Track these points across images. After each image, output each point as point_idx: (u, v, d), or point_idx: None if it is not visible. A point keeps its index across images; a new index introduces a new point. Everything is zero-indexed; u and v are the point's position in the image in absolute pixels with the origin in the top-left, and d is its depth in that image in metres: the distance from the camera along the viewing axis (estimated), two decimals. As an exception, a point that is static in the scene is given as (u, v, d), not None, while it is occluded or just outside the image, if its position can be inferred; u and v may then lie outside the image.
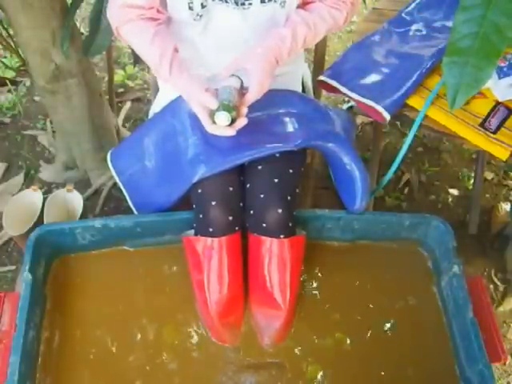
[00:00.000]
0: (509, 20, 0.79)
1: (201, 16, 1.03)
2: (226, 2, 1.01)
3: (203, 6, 1.01)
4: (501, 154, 1.15)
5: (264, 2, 1.02)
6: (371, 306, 1.15)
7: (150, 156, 1.16)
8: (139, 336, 1.09)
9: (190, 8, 1.01)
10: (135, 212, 1.21)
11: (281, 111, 1.11)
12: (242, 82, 1.02)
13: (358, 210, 1.14)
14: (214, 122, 0.97)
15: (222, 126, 0.96)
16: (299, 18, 1.05)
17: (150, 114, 1.28)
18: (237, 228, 1.06)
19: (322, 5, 1.09)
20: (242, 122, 0.97)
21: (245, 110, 0.98)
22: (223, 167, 1.06)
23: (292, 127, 1.11)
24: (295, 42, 1.04)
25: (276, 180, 1.06)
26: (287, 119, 1.11)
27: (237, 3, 1.01)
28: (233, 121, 0.96)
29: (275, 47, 1.02)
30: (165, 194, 1.13)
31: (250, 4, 1.02)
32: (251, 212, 1.06)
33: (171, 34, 1.06)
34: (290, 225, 1.05)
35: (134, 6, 1.01)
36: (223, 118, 0.94)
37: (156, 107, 1.24)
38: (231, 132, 0.97)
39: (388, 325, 1.13)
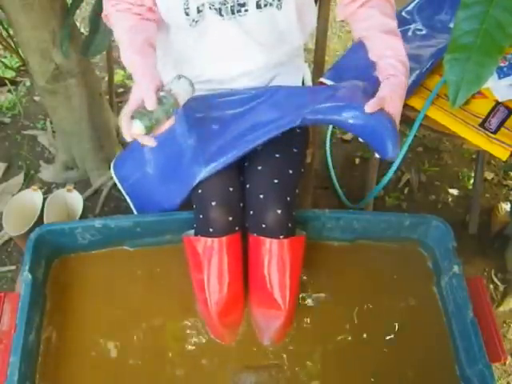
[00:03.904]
0: (511, 16, 0.79)
1: (196, 22, 1.03)
2: (221, 15, 1.02)
3: (199, 11, 1.01)
4: (501, 154, 1.15)
5: (260, 8, 1.02)
6: (371, 305, 1.15)
7: (150, 162, 1.16)
8: (139, 336, 1.09)
9: (187, 13, 1.01)
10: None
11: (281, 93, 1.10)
12: (191, 84, 0.96)
13: (392, 157, 1.02)
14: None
15: (135, 133, 0.91)
16: (392, 21, 1.06)
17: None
18: (237, 228, 1.06)
19: None
20: (157, 132, 0.93)
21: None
22: (223, 165, 1.05)
23: (292, 106, 1.07)
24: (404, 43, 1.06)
25: (276, 180, 1.06)
26: (286, 100, 1.09)
27: (232, 11, 1.01)
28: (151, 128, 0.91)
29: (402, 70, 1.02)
30: (167, 198, 1.13)
31: (246, 11, 1.02)
32: (251, 212, 1.06)
33: (151, 31, 1.04)
34: (290, 225, 1.05)
35: (124, 0, 1.01)
36: (136, 127, 0.90)
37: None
38: (146, 142, 0.92)
39: (388, 325, 1.13)
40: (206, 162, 1.06)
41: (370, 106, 0.97)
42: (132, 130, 0.90)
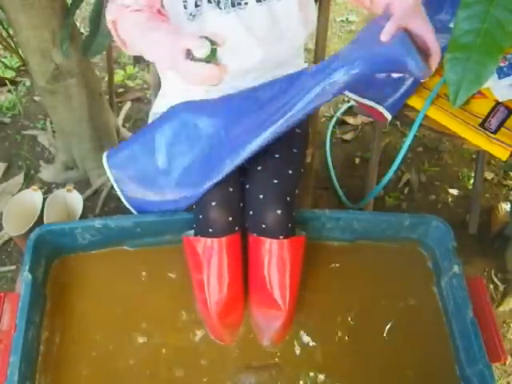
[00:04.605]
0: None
1: (194, 16, 1.02)
2: (220, 8, 1.01)
3: (197, 5, 1.01)
4: (501, 154, 1.15)
5: (260, 1, 1.02)
6: (371, 306, 1.15)
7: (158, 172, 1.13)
8: (139, 335, 1.09)
9: (185, 7, 1.01)
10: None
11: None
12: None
13: (418, 72, 0.95)
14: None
15: (200, 61, 0.85)
16: None
17: (150, 115, 1.27)
18: (237, 228, 1.06)
19: None
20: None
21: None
22: (249, 153, 1.03)
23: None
24: None
25: (275, 181, 1.06)
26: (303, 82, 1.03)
27: (233, 4, 1.01)
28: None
29: None
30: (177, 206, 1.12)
31: (246, 4, 1.02)
32: (251, 213, 1.06)
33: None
34: (290, 225, 1.05)
35: (132, 7, 1.00)
36: (206, 45, 0.85)
37: (156, 109, 1.24)
38: (212, 70, 0.87)
39: (388, 325, 1.13)
40: (231, 151, 1.04)
41: (385, 34, 0.89)
42: (201, 48, 0.84)
